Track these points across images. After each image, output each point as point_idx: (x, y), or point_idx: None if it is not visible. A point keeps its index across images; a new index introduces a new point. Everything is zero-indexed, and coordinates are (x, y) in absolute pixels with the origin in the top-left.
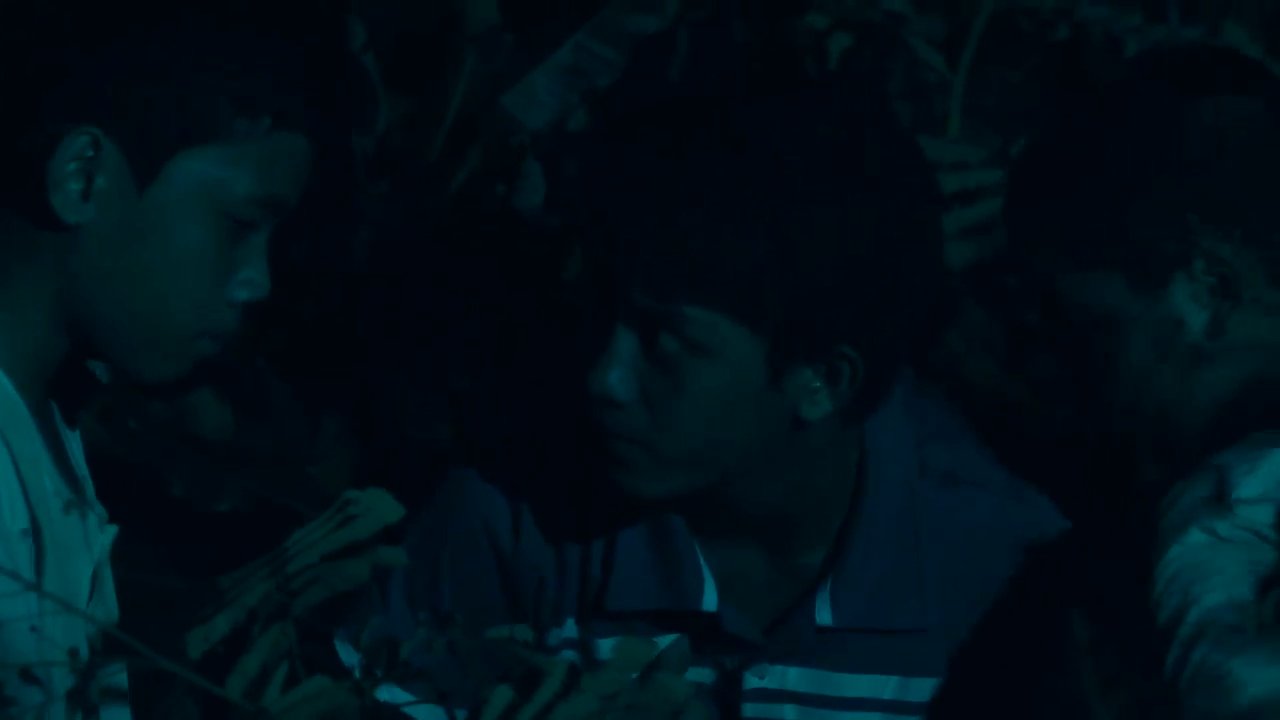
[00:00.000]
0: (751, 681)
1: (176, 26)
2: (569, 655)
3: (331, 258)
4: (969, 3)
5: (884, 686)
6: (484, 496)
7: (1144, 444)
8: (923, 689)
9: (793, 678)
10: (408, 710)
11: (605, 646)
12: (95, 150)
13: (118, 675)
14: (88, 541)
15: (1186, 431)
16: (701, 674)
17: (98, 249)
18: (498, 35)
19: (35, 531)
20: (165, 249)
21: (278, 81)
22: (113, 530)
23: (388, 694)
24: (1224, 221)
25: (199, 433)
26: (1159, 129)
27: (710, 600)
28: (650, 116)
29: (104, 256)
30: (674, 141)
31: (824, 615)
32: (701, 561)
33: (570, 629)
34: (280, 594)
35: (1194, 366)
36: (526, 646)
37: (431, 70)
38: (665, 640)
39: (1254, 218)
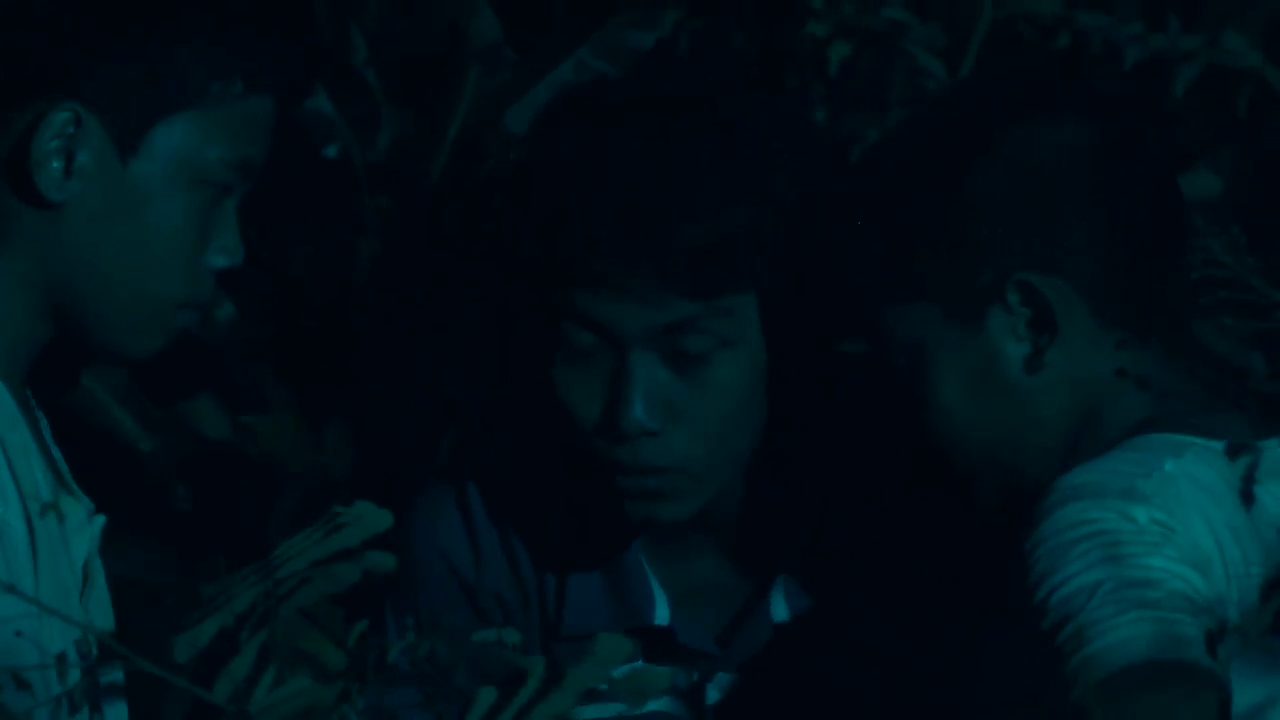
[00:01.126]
0: (714, 695)
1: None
2: None
3: (333, 271)
4: (969, 10)
5: None
6: (444, 527)
7: (975, 476)
8: None
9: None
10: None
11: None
12: (76, 126)
13: (115, 672)
14: (76, 533)
15: (1019, 466)
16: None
17: (82, 225)
18: (500, 52)
19: (29, 525)
20: (149, 220)
21: (247, 45)
22: (101, 520)
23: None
24: (1038, 253)
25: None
26: (972, 157)
27: (662, 615)
28: (632, 122)
29: (89, 232)
30: (665, 142)
31: (780, 612)
32: (650, 577)
33: None
34: (269, 599)
35: (1016, 402)
36: (514, 649)
37: (434, 86)
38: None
39: (1070, 249)
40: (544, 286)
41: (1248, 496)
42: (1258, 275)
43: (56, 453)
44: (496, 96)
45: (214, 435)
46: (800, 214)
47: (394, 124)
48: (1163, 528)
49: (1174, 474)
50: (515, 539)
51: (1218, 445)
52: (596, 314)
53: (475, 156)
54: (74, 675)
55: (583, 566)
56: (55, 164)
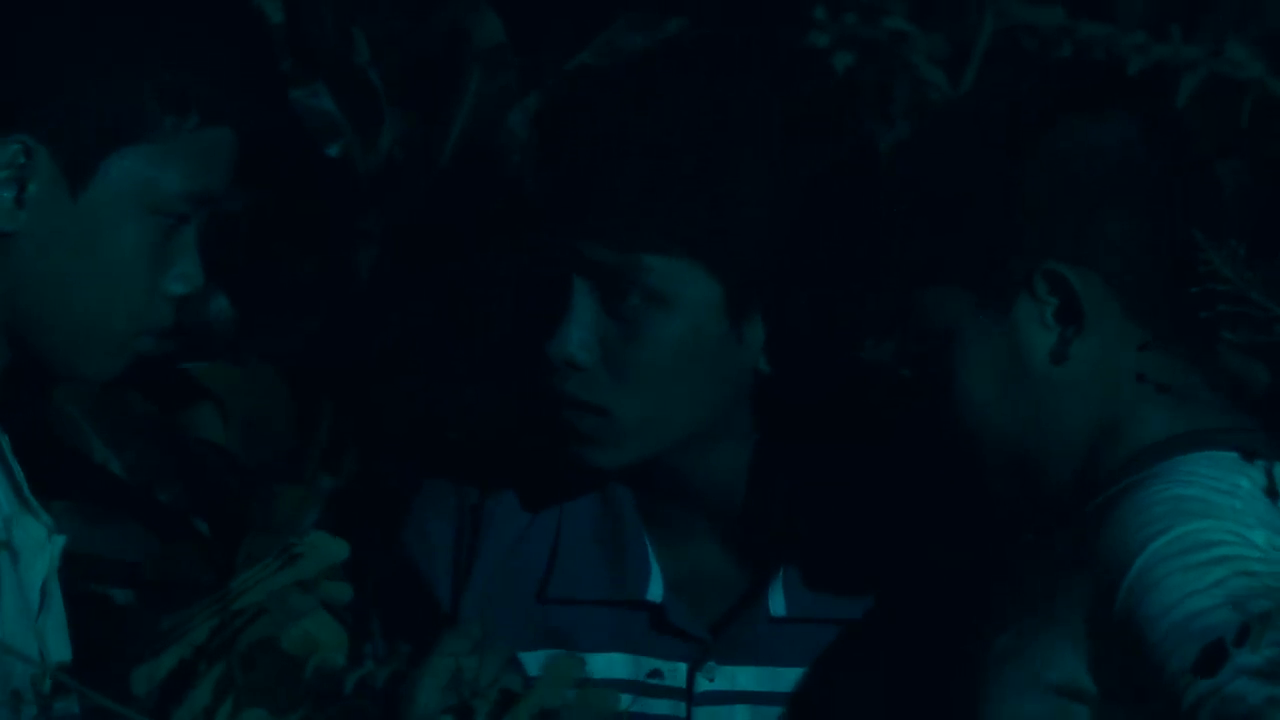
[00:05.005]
0: (702, 684)
1: (99, 32)
2: None
3: (334, 274)
4: (971, 21)
5: None
6: (425, 547)
7: (995, 470)
8: None
9: (743, 678)
10: None
11: (534, 659)
12: (27, 158)
13: (70, 703)
14: (36, 552)
15: (1039, 462)
16: (650, 673)
17: (34, 254)
18: (504, 54)
19: None
20: (101, 251)
21: (202, 77)
22: (61, 540)
23: None
24: (1071, 245)
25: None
26: (1017, 147)
27: (655, 591)
28: (599, 78)
29: (40, 261)
30: (627, 97)
31: (777, 606)
32: (649, 552)
33: None
34: (226, 631)
35: (1040, 395)
36: (473, 675)
37: (437, 87)
38: (600, 659)
39: (1106, 243)
40: (524, 229)
41: (1273, 496)
42: (1257, 288)
43: (16, 468)
44: (499, 98)
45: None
46: (781, 196)
47: (397, 125)
48: (1278, 551)
49: (1252, 492)
50: (506, 519)
51: (1260, 464)
52: (553, 245)
53: (477, 158)
54: (29, 710)
55: (569, 531)
56: (5, 194)
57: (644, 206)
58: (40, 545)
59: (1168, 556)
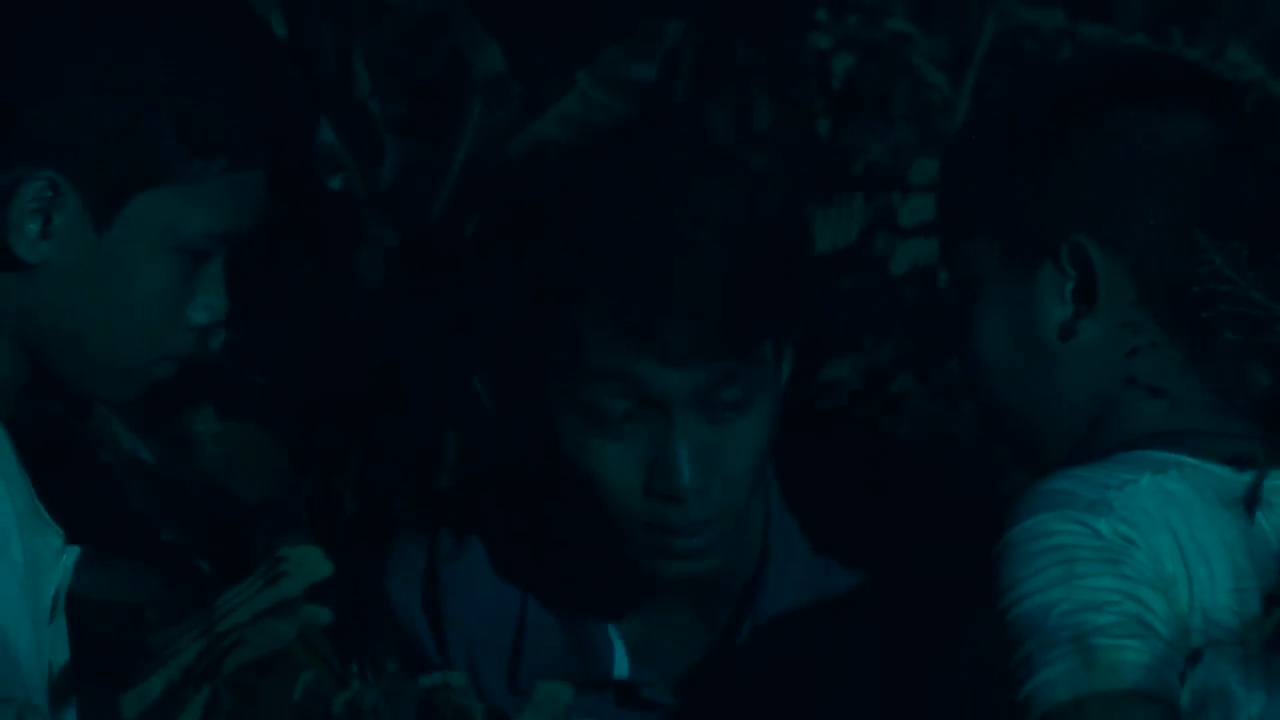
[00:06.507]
0: None
1: (129, 72)
2: None
3: (338, 300)
4: (973, 23)
5: None
6: (399, 606)
7: (999, 430)
8: None
9: None
10: None
11: None
12: (54, 192)
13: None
14: (50, 563)
15: (1038, 438)
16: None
17: (56, 286)
18: (505, 83)
19: (24, 560)
20: (123, 287)
21: (231, 120)
22: (75, 552)
23: None
24: (1104, 225)
25: (193, 470)
26: (1081, 120)
27: (621, 668)
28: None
29: (62, 292)
30: (689, 205)
31: (744, 656)
32: (610, 631)
33: None
34: (212, 653)
35: (1046, 366)
36: (461, 692)
37: (438, 116)
38: None
39: (1134, 229)
40: (572, 349)
41: (1251, 506)
42: (1259, 288)
43: (27, 483)
44: (501, 127)
45: (208, 464)
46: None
47: (398, 155)
48: (1125, 540)
49: (1147, 488)
50: (484, 595)
51: (1210, 466)
52: (639, 380)
53: (478, 187)
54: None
55: (532, 619)
56: (31, 226)
57: (727, 315)
58: (54, 556)
59: (1011, 545)
